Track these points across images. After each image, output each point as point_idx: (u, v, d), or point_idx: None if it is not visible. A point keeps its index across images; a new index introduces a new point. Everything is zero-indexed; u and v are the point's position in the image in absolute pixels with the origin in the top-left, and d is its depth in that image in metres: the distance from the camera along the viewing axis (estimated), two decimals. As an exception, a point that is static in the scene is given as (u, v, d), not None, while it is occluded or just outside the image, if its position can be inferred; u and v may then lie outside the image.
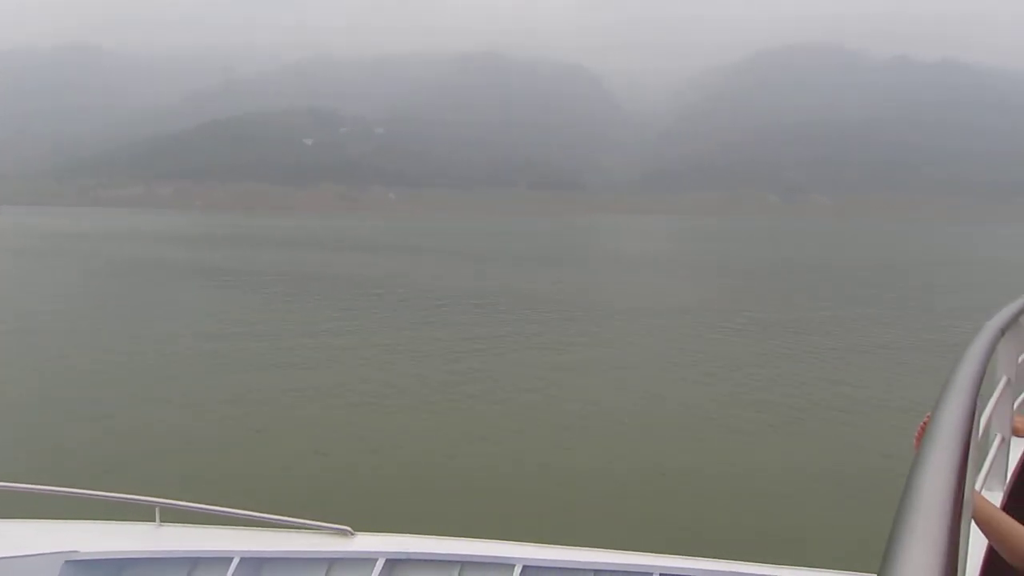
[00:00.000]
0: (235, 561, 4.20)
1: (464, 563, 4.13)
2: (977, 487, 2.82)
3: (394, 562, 4.20)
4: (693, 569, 3.72)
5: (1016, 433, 3.62)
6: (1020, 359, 3.41)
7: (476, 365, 17.50)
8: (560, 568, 4.06)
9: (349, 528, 4.34)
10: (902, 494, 0.87)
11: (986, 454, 3.18)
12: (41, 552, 4.24)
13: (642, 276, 42.03)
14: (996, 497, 3.25)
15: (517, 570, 4.08)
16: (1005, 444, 3.32)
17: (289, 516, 4.32)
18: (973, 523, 2.12)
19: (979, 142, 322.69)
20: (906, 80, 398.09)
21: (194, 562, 4.28)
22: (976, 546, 2.42)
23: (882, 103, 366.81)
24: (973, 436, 1.51)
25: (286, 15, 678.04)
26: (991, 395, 3.01)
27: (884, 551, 0.74)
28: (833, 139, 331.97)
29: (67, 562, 4.22)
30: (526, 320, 24.27)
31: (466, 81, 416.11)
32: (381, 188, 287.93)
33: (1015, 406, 3.60)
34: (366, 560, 4.19)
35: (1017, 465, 3.53)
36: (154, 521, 4.44)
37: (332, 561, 4.26)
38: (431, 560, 4.18)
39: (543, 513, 9.36)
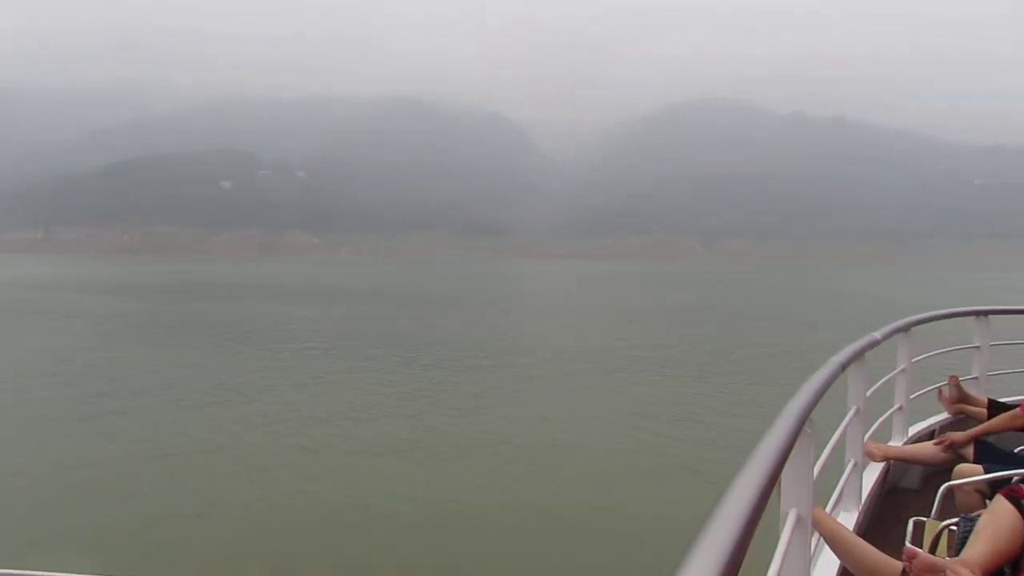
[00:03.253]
0: None
1: None
2: (830, 508, 3.01)
3: None
4: None
5: (871, 458, 4.08)
6: (868, 392, 3.63)
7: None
8: None
9: None
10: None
11: (839, 478, 3.39)
12: None
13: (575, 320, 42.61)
14: (851, 517, 3.51)
15: None
16: (858, 468, 3.57)
17: None
18: (823, 540, 2.34)
19: (871, 195, 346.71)
20: (804, 136, 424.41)
21: None
22: (829, 562, 2.65)
23: (785, 156, 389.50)
24: (796, 458, 1.78)
25: (200, 52, 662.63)
26: (843, 424, 3.25)
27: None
28: (745, 189, 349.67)
29: None
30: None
31: (388, 126, 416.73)
32: (303, 233, 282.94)
33: (867, 435, 3.98)
34: None
35: (872, 487, 3.86)
36: None
37: None
38: None
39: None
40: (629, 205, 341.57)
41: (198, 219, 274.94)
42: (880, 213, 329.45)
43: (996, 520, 2.37)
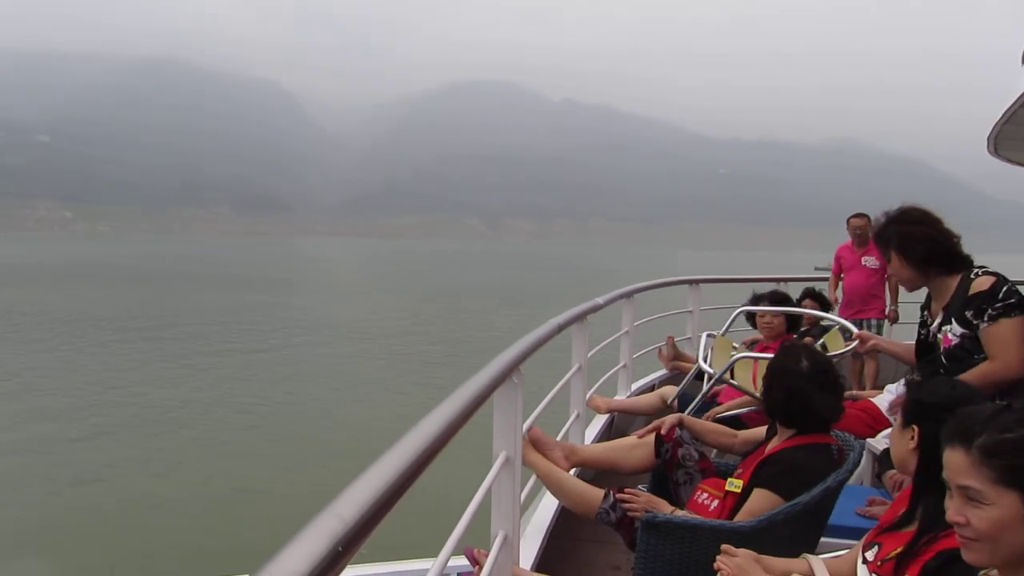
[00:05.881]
0: None
1: None
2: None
3: None
4: None
5: (597, 410, 4.64)
6: (591, 352, 4.03)
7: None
8: None
9: None
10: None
11: (563, 425, 3.77)
12: None
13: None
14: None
15: None
16: (581, 419, 3.93)
17: None
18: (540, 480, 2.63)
19: (636, 180, 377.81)
20: (576, 122, 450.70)
21: None
22: (550, 501, 2.99)
23: (561, 142, 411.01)
24: (505, 404, 1.98)
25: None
26: (564, 378, 3.63)
27: None
28: (524, 169, 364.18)
29: None
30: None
31: (149, 88, 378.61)
32: (52, 204, 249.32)
33: (592, 390, 4.56)
34: None
35: (597, 436, 4.35)
36: None
37: None
38: None
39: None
40: (413, 182, 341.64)
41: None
42: (643, 198, 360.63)
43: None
